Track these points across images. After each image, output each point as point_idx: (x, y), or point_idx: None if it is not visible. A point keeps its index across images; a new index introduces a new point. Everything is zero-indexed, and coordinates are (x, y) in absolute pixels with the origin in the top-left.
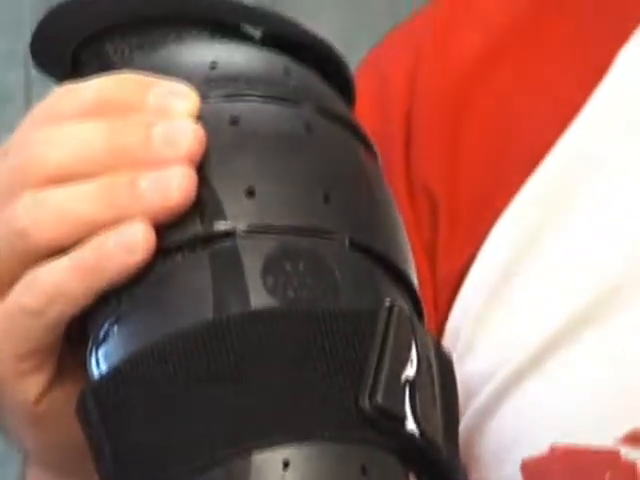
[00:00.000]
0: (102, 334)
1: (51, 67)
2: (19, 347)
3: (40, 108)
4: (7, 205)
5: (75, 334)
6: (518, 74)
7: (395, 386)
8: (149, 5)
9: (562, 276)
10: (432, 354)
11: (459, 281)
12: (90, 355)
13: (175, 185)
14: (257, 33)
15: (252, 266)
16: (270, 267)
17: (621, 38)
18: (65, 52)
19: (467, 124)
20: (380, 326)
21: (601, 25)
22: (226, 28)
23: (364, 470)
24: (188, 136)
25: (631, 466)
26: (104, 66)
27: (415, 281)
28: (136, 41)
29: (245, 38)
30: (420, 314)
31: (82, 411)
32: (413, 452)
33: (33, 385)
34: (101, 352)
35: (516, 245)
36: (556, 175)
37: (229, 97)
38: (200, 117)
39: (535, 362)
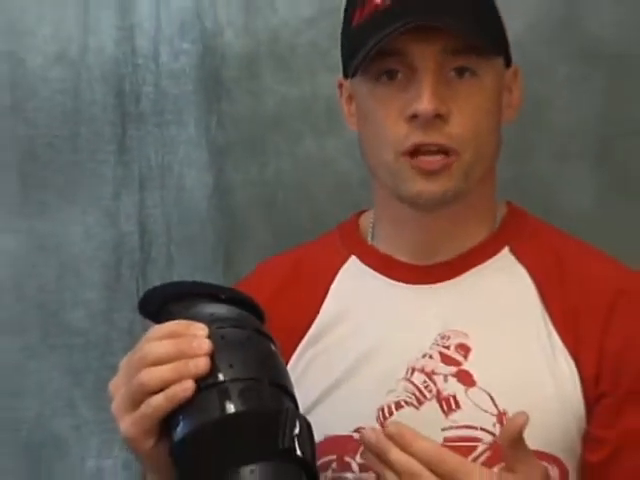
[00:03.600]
0: (175, 423)
1: (149, 315)
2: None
3: (147, 334)
4: (133, 377)
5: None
6: (293, 290)
7: (293, 437)
8: (186, 290)
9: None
10: (304, 422)
11: None
12: (172, 430)
13: (202, 363)
14: (223, 296)
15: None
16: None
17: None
18: (154, 308)
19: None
20: (284, 415)
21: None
22: (215, 296)
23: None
24: (206, 345)
25: (359, 445)
26: (170, 317)
27: (294, 394)
28: (183, 304)
29: (219, 300)
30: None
31: (171, 457)
32: (301, 465)
33: (149, 442)
34: (175, 430)
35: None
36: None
37: (220, 328)
38: (209, 336)
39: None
